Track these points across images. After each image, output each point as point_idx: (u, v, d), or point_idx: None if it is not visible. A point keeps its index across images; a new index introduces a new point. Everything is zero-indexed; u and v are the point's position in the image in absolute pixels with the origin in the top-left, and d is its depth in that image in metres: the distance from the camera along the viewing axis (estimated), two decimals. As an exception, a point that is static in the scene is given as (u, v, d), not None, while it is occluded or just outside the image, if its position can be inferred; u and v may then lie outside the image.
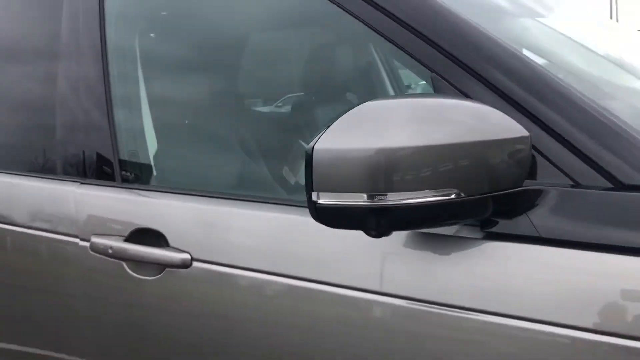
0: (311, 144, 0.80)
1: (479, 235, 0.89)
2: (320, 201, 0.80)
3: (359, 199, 0.80)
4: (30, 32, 1.59)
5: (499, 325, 0.85)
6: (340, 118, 0.81)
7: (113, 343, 1.27)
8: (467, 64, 0.94)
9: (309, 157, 0.79)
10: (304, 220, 0.93)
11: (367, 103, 0.83)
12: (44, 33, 1.51)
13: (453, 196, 0.80)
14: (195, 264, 1.12)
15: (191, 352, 1.15)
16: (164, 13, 1.54)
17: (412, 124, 0.81)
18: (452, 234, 0.91)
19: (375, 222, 0.82)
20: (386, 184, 0.79)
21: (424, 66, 0.98)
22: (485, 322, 0.86)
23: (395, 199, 0.79)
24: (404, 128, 0.80)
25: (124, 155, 1.33)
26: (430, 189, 0.80)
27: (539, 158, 0.89)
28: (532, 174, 0.89)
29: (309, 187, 0.80)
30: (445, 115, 0.83)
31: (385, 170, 0.79)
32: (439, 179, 0.80)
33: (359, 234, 0.87)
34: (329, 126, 0.80)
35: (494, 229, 0.88)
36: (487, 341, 0.87)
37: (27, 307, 1.42)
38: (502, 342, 0.86)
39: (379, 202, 0.80)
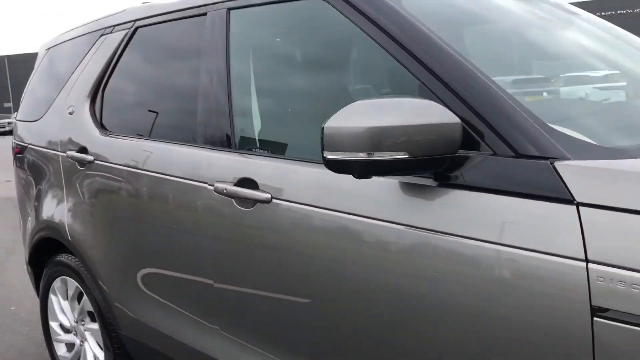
0: (323, 124, 1.39)
1: (433, 183, 1.43)
2: (328, 157, 1.39)
3: (351, 156, 1.36)
4: (188, 42, 2.31)
5: (439, 239, 1.39)
6: (340, 110, 1.39)
7: (223, 251, 1.95)
8: (437, 74, 1.48)
9: (322, 132, 1.39)
10: (337, 176, 1.51)
11: (358, 102, 1.39)
12: (195, 40, 2.21)
13: (407, 156, 1.35)
14: (273, 200, 1.76)
15: (268, 254, 1.79)
16: (272, 28, 2.17)
17: (387, 112, 1.36)
18: (418, 183, 1.46)
19: (360, 169, 1.38)
20: (372, 147, 1.35)
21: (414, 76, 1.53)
22: (432, 237, 1.40)
23: (376, 157, 1.35)
24: (382, 115, 1.36)
25: (238, 131, 2.00)
26: (395, 151, 1.35)
27: (472, 135, 1.40)
28: (470, 146, 1.40)
29: (322, 149, 1.40)
30: (407, 108, 1.37)
31: (372, 140, 1.35)
32: (401, 145, 1.35)
33: (370, 184, 1.45)
34: (334, 114, 1.39)
35: (442, 180, 1.42)
36: (437, 249, 1.41)
37: (169, 231, 2.15)
38: (442, 252, 1.39)
39: (367, 158, 1.36)
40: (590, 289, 1.17)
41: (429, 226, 1.41)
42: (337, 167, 1.40)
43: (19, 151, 3.26)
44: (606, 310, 1.15)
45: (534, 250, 1.24)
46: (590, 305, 1.17)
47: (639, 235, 1.13)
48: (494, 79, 1.46)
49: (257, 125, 2.03)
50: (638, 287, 1.11)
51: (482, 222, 1.33)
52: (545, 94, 2.02)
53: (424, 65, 1.50)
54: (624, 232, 1.14)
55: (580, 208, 1.20)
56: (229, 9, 2.08)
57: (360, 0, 1.67)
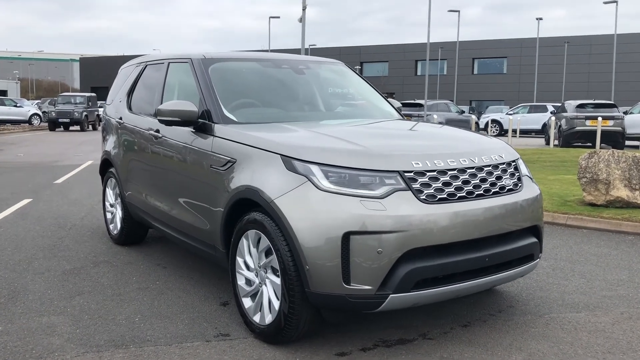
0: (159, 106, 4.41)
1: (194, 131, 4.40)
2: (159, 118, 4.42)
3: (167, 117, 4.38)
4: (159, 73, 5.42)
5: (198, 150, 4.39)
6: (170, 101, 4.41)
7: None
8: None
9: (158, 110, 4.42)
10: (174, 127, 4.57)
11: (174, 100, 4.40)
12: (160, 73, 5.30)
13: (180, 119, 4.33)
14: (162, 137, 4.82)
15: (161, 158, 4.86)
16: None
17: (177, 105, 4.36)
18: (191, 130, 4.42)
19: (166, 122, 4.39)
20: (169, 114, 4.37)
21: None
22: (198, 150, 4.38)
23: (171, 119, 4.36)
24: (177, 106, 4.36)
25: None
26: (175, 117, 4.35)
27: (204, 115, 4.35)
28: (203, 118, 4.34)
29: (155, 115, 4.42)
30: (183, 104, 4.35)
31: (171, 113, 4.36)
32: (177, 115, 4.34)
33: (182, 129, 4.50)
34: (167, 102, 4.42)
35: (195, 130, 4.39)
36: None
37: (142, 151, 5.27)
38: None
39: (166, 118, 4.37)
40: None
41: (198, 146, 4.37)
42: (164, 122, 4.39)
43: (102, 119, 6.60)
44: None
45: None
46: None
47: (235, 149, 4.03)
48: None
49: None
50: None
51: (204, 143, 4.27)
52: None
53: (201, 90, 4.46)
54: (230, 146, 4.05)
55: (214, 138, 4.13)
56: (169, 63, 5.17)
57: (197, 68, 4.65)
